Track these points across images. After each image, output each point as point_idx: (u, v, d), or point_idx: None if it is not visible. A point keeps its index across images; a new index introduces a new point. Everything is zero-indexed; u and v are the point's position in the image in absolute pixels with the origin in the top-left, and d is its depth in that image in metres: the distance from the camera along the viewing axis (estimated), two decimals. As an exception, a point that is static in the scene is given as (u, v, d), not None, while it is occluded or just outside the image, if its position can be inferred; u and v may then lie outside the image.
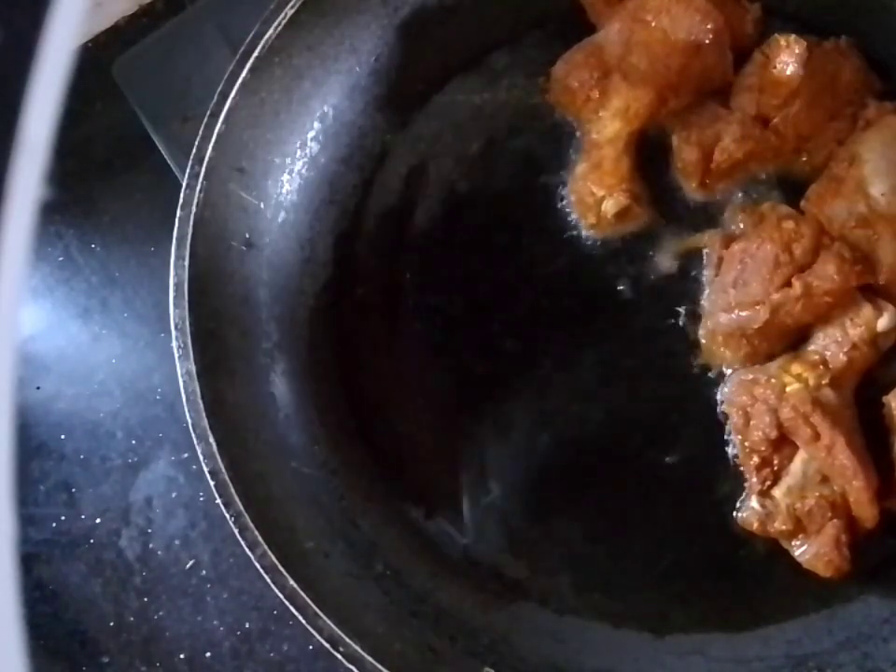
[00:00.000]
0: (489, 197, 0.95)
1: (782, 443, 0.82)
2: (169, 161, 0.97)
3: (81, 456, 1.02)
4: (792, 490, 0.82)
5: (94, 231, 1.06)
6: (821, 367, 0.83)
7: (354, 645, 0.78)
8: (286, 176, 0.92)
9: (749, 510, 0.84)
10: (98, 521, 1.01)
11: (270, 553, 0.79)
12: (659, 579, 0.87)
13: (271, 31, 0.86)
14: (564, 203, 0.92)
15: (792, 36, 0.86)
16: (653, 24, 0.86)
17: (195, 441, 0.81)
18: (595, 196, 0.89)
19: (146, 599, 0.99)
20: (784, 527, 0.82)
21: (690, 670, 0.84)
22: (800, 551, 0.83)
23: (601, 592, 0.87)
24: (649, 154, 0.89)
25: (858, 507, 0.81)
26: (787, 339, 0.86)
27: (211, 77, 0.88)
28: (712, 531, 0.86)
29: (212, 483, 0.80)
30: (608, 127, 0.89)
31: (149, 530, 1.00)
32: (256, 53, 0.86)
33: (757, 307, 0.83)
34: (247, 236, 0.90)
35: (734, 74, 0.89)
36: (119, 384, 1.03)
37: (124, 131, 1.03)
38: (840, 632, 0.84)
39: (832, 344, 0.83)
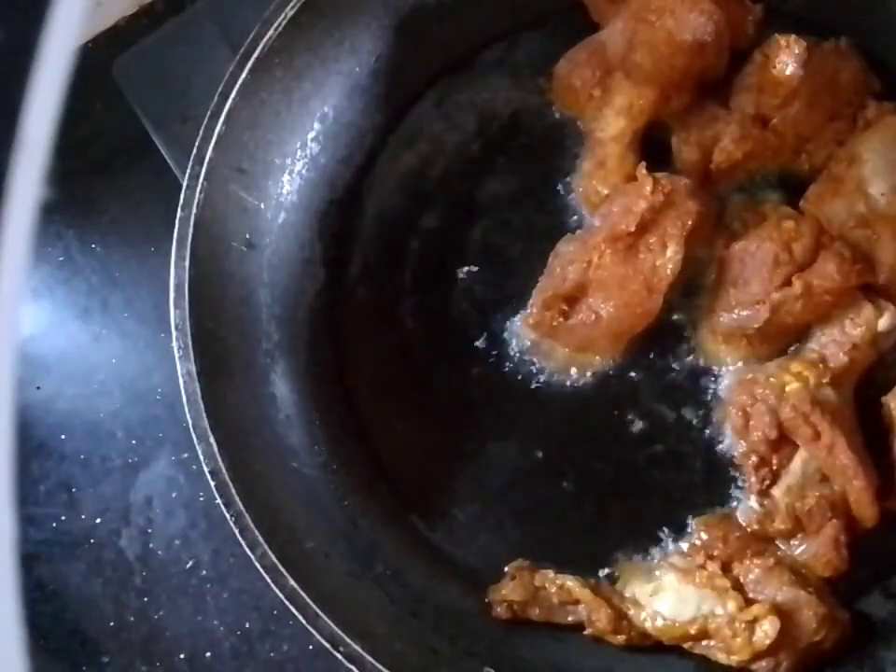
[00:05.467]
0: (490, 197, 0.95)
1: (781, 443, 0.83)
2: (169, 162, 0.97)
3: (81, 456, 1.02)
4: (792, 489, 0.82)
5: (94, 232, 1.06)
6: (821, 366, 0.83)
7: (354, 645, 0.78)
8: (286, 177, 0.92)
9: (747, 509, 0.84)
10: (98, 521, 1.01)
11: (270, 553, 0.79)
12: (659, 579, 0.87)
13: (271, 31, 0.86)
14: (568, 201, 0.92)
15: (792, 37, 0.86)
16: (657, 24, 0.86)
17: (195, 441, 0.81)
18: (600, 194, 0.89)
19: (146, 599, 0.99)
20: (783, 527, 0.82)
21: (690, 670, 0.84)
22: (799, 550, 0.83)
23: (601, 592, 0.87)
24: (648, 155, 0.89)
25: (858, 507, 0.81)
26: (787, 338, 0.86)
27: (211, 78, 0.88)
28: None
29: (212, 483, 0.80)
30: (611, 125, 0.89)
31: (149, 530, 1.00)
32: (256, 54, 0.86)
33: (757, 306, 0.83)
34: (248, 237, 0.90)
35: (734, 74, 0.89)
36: (120, 384, 1.03)
37: (124, 131, 1.03)
38: (840, 632, 0.84)
39: (831, 344, 0.84)
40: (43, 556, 1.00)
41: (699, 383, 0.88)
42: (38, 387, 1.03)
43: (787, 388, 0.82)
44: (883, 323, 0.83)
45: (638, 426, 0.89)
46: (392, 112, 0.96)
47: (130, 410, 1.03)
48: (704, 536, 0.84)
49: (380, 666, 0.77)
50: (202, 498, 0.99)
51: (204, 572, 0.99)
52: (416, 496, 0.91)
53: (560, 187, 0.93)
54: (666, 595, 0.82)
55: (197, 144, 0.85)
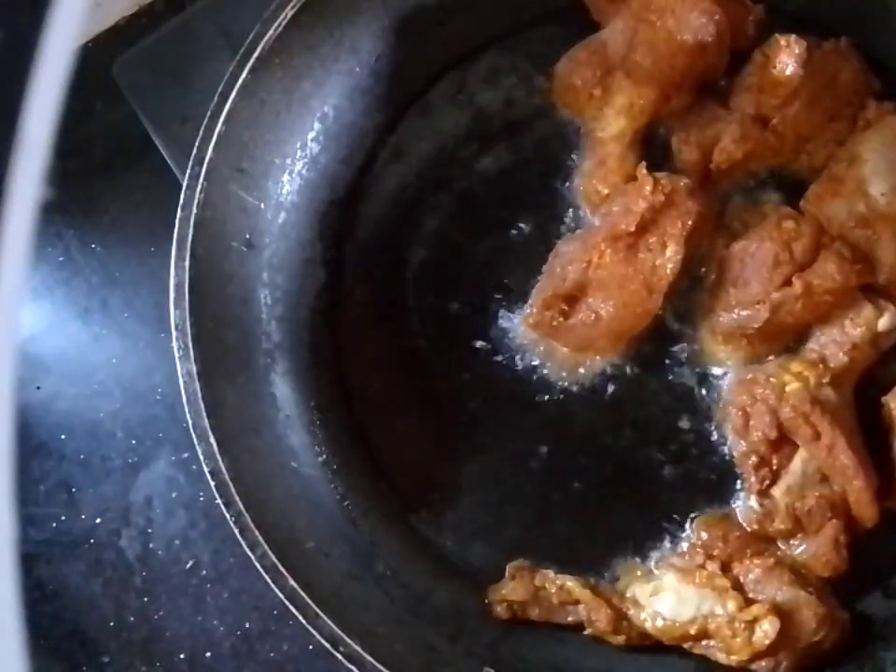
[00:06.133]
0: (491, 197, 0.95)
1: (781, 443, 0.83)
2: (169, 162, 0.97)
3: (81, 456, 1.02)
4: (792, 489, 0.82)
5: (94, 232, 1.06)
6: (821, 366, 0.83)
7: (354, 645, 0.78)
8: (286, 177, 0.92)
9: (747, 509, 0.84)
10: (98, 521, 1.01)
11: (270, 553, 0.79)
12: (659, 579, 0.87)
13: (271, 31, 0.86)
14: (568, 201, 0.92)
15: (792, 37, 0.86)
16: (658, 24, 0.86)
17: (195, 442, 0.81)
18: (600, 194, 0.89)
19: (146, 599, 0.99)
20: (783, 527, 0.82)
21: (690, 669, 0.84)
22: (798, 550, 0.83)
23: (601, 592, 0.87)
24: (648, 155, 0.89)
25: (858, 507, 0.81)
26: (787, 338, 0.86)
27: (211, 78, 0.88)
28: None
29: (212, 483, 0.80)
30: (612, 124, 0.89)
31: (149, 530, 1.00)
32: (256, 54, 0.86)
33: (757, 306, 0.83)
34: (248, 237, 0.90)
35: (734, 74, 0.89)
36: (120, 384, 1.03)
37: (124, 131, 1.03)
38: (840, 632, 0.84)
39: (831, 344, 0.84)
40: (43, 556, 1.00)
41: (699, 382, 0.88)
42: (38, 387, 1.03)
43: (787, 388, 0.82)
44: (883, 323, 0.83)
45: (638, 425, 0.89)
46: (392, 112, 0.96)
47: (130, 410, 1.03)
48: (704, 536, 0.84)
49: (380, 666, 0.77)
50: (202, 498, 0.99)
51: (204, 572, 0.99)
52: (416, 496, 0.91)
53: (560, 186, 0.93)
54: (666, 595, 0.82)
55: (197, 144, 0.85)
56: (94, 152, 1.07)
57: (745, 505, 0.85)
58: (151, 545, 1.00)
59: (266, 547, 0.79)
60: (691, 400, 0.88)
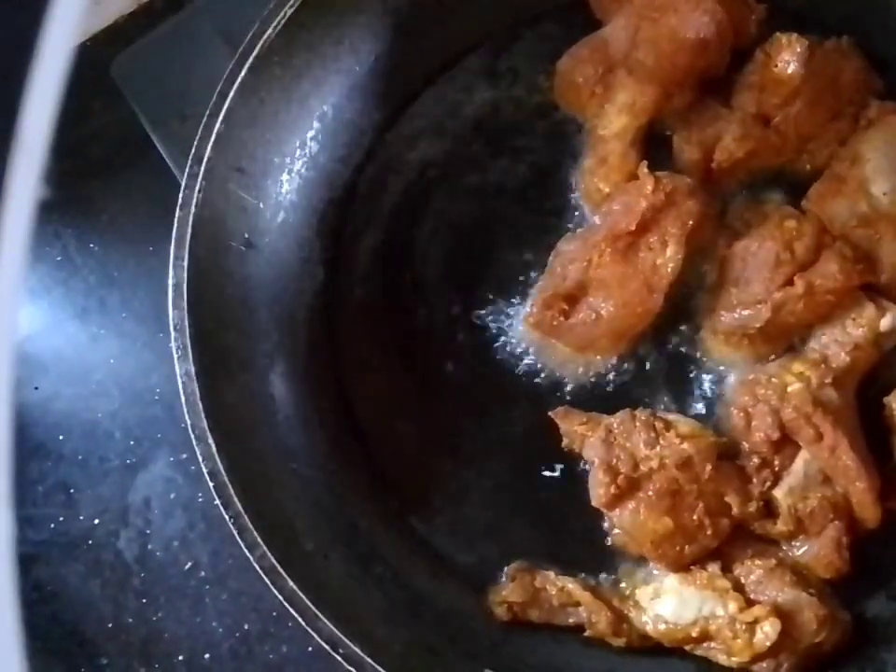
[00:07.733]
0: (491, 196, 0.94)
1: (783, 444, 0.82)
2: (168, 161, 0.96)
3: (79, 457, 1.02)
4: (794, 490, 0.82)
5: (92, 231, 1.06)
6: (823, 366, 0.83)
7: (353, 647, 0.77)
8: (285, 176, 0.92)
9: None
10: (96, 522, 1.01)
11: (269, 554, 0.79)
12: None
13: (270, 30, 0.86)
14: (569, 199, 0.92)
15: (794, 35, 0.86)
16: (660, 21, 0.86)
17: (194, 442, 0.81)
18: (601, 192, 0.89)
19: (144, 600, 0.99)
20: (785, 528, 0.82)
21: (691, 671, 0.83)
22: (800, 551, 0.83)
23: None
24: (650, 153, 0.89)
25: (861, 508, 0.81)
26: (788, 338, 0.86)
27: (210, 77, 0.88)
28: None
29: (211, 485, 0.80)
30: (613, 122, 0.89)
31: (148, 531, 1.00)
32: (255, 53, 0.86)
33: (759, 306, 0.83)
34: (247, 236, 0.89)
35: (735, 72, 0.89)
36: (118, 384, 1.03)
37: (123, 131, 1.03)
38: (841, 633, 0.83)
39: (833, 344, 0.83)
40: (41, 557, 1.00)
41: (700, 382, 0.88)
42: (36, 387, 1.03)
43: (789, 389, 0.82)
44: (885, 323, 0.83)
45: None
46: (391, 111, 0.96)
47: (128, 410, 1.03)
48: None
49: (379, 668, 0.77)
50: (200, 499, 0.99)
51: (203, 573, 0.99)
52: (416, 496, 0.91)
53: (561, 185, 0.92)
54: (668, 597, 0.81)
55: (196, 143, 0.85)
56: (92, 151, 1.07)
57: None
58: (150, 546, 1.00)
59: (265, 548, 0.79)
60: (692, 400, 0.88)
